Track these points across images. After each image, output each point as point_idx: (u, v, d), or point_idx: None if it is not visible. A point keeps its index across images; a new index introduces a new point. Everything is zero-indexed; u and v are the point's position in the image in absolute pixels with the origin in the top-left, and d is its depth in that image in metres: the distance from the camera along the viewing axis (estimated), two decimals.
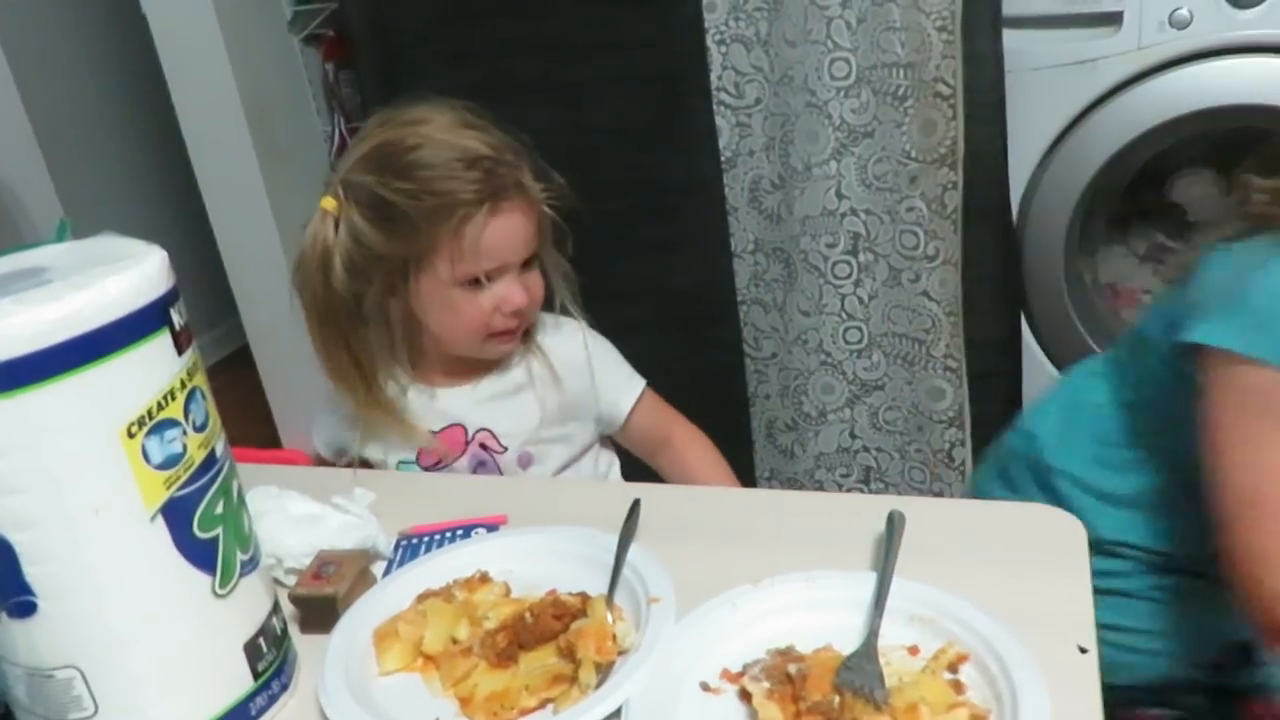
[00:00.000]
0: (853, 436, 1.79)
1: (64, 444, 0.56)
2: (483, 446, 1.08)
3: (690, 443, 1.14)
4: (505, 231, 0.98)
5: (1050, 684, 0.59)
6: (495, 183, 0.97)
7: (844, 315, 1.70)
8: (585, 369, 1.10)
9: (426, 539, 0.85)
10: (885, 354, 1.71)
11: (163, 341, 0.60)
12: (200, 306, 2.25)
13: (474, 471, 1.08)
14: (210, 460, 0.63)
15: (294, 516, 0.83)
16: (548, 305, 1.10)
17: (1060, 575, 0.72)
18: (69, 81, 2.68)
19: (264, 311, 2.06)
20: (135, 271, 0.59)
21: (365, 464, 1.10)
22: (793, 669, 0.63)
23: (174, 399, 0.60)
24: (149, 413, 0.59)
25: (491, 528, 0.86)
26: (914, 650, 0.66)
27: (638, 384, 1.15)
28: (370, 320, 1.04)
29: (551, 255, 1.06)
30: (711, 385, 1.79)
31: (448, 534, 0.85)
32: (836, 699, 0.61)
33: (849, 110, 1.56)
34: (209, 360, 3.01)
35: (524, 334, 1.08)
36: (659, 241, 1.72)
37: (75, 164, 2.67)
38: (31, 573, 0.57)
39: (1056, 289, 1.66)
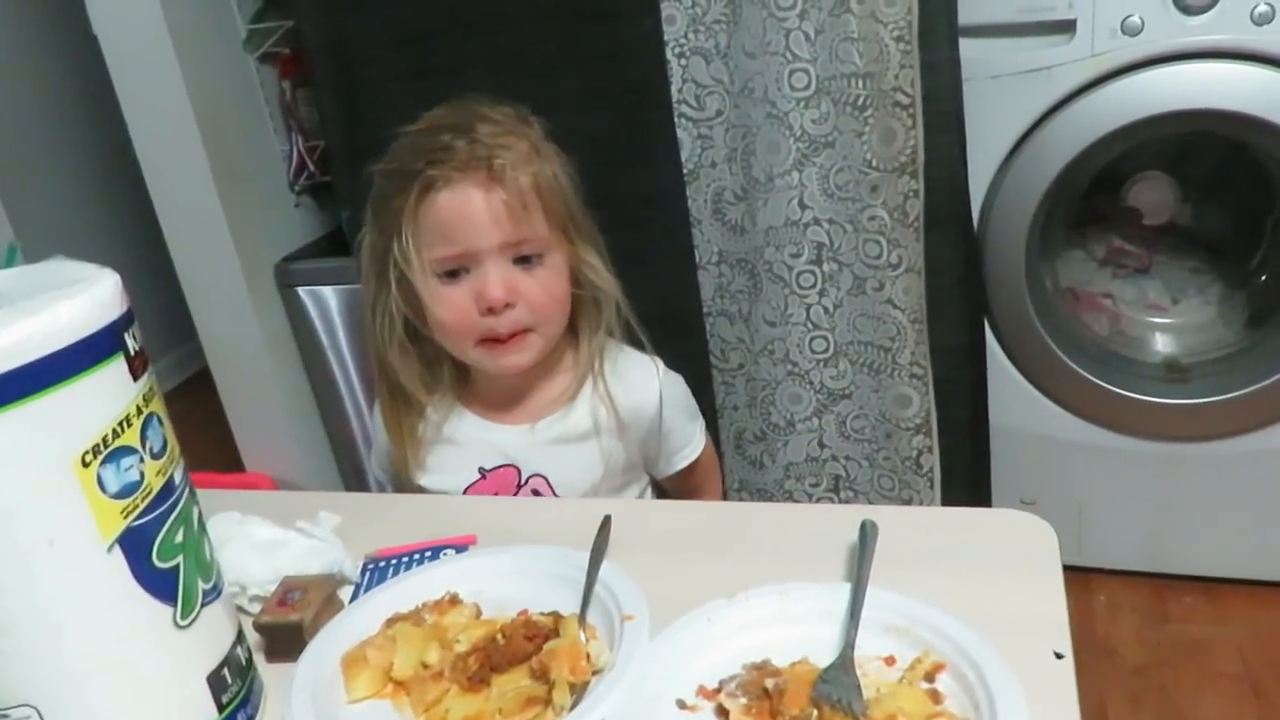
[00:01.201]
0: (821, 446, 1.79)
1: (15, 474, 0.54)
2: (535, 492, 1.02)
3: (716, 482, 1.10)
4: (462, 208, 0.91)
5: (1027, 690, 0.59)
6: (452, 155, 0.91)
7: (810, 325, 1.70)
8: (655, 420, 1.04)
9: (394, 561, 0.84)
10: (852, 363, 1.72)
11: (117, 367, 0.58)
12: (158, 329, 2.22)
13: None
14: (169, 488, 0.61)
15: (257, 542, 0.81)
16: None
17: (1033, 580, 0.72)
18: (18, 102, 2.64)
19: (224, 333, 2.03)
20: (87, 295, 0.57)
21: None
22: (769, 684, 0.63)
23: (130, 426, 0.58)
24: (104, 440, 0.57)
25: (460, 548, 0.84)
26: (890, 660, 0.65)
27: (701, 436, 1.10)
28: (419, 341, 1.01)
29: (586, 263, 1.01)
30: None
31: (416, 555, 0.84)
32: (814, 713, 0.60)
33: (809, 120, 1.57)
34: (168, 384, 3.00)
35: (592, 373, 1.02)
36: (623, 255, 1.70)
37: (25, 186, 2.62)
38: None
39: (1018, 294, 1.68)
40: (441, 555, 0.83)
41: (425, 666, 0.70)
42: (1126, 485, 1.77)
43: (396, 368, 1.00)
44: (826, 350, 1.71)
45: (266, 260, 2.00)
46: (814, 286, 1.67)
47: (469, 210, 0.92)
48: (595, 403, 1.02)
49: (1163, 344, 1.81)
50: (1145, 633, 1.74)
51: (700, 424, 1.12)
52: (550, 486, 1.02)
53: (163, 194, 1.91)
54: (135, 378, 0.59)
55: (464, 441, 1.04)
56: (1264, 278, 1.77)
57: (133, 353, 0.60)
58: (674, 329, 1.77)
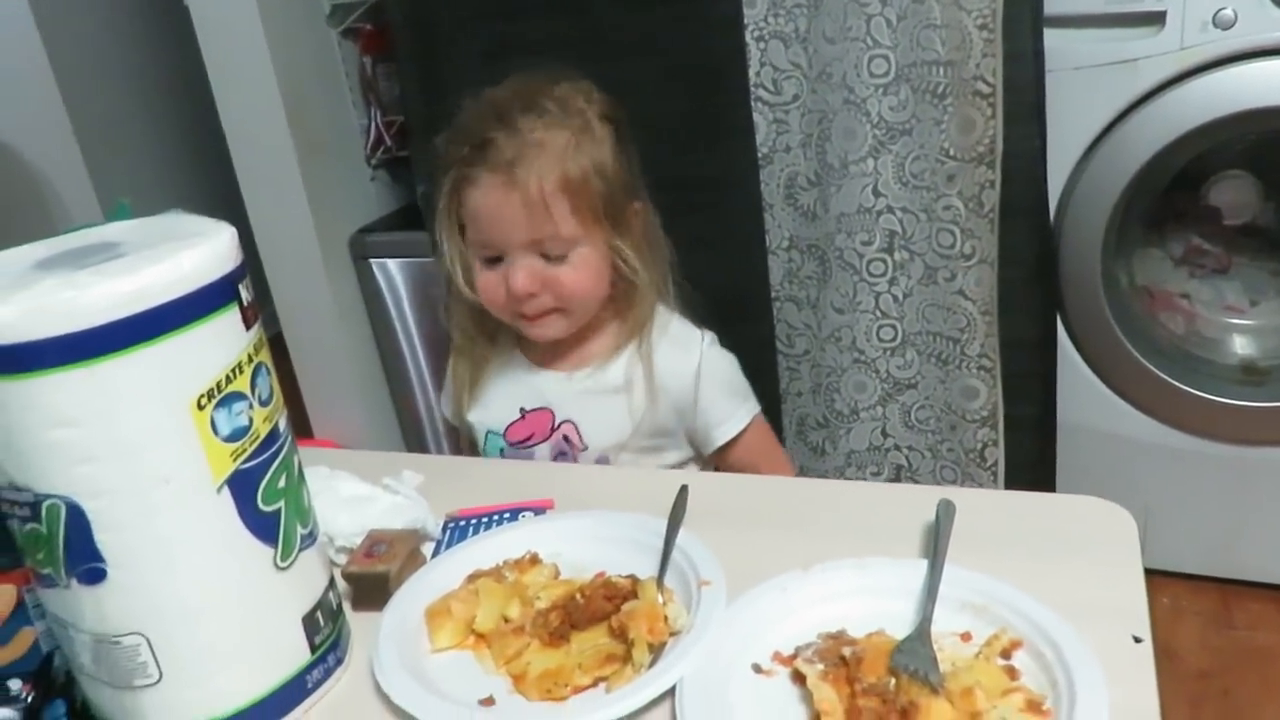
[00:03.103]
0: (884, 435, 1.79)
1: (137, 414, 0.57)
2: (565, 438, 1.07)
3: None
4: (490, 208, 0.98)
5: (1105, 672, 0.60)
6: (486, 152, 0.96)
7: (878, 313, 1.70)
8: (691, 390, 1.07)
9: (474, 521, 0.86)
10: (919, 352, 1.71)
11: (232, 316, 0.61)
12: None
13: (554, 457, 1.08)
14: (274, 435, 0.64)
15: (345, 497, 0.84)
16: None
17: (1112, 566, 0.72)
18: (107, 74, 2.71)
19: (297, 301, 2.08)
20: (207, 247, 0.60)
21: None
22: (846, 652, 0.64)
23: (241, 373, 0.61)
24: (218, 385, 0.60)
25: (538, 511, 0.86)
26: (966, 636, 0.66)
27: (745, 416, 1.10)
28: None
29: (626, 243, 1.03)
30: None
31: (495, 517, 0.86)
32: (892, 681, 0.61)
33: (887, 108, 1.56)
34: None
35: (637, 336, 1.06)
36: (694, 237, 1.71)
37: (112, 156, 2.69)
38: (103, 540, 0.58)
39: (1093, 290, 1.65)
40: (520, 517, 0.85)
41: (506, 621, 0.73)
42: (1195, 488, 1.74)
43: (463, 320, 1.10)
44: (894, 339, 1.71)
45: (342, 232, 2.05)
46: (884, 275, 1.67)
47: (495, 211, 0.98)
48: (633, 362, 1.07)
49: (1240, 345, 1.78)
50: (1209, 638, 1.71)
51: (748, 405, 1.12)
52: (579, 434, 1.07)
53: (245, 163, 1.96)
54: (247, 327, 0.62)
55: (512, 382, 1.10)
56: None
57: (245, 303, 0.62)
58: (741, 313, 1.78)
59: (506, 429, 1.09)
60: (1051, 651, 0.62)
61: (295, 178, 1.95)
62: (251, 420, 0.62)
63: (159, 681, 0.62)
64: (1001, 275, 1.61)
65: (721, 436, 1.09)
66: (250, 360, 0.62)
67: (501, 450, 1.10)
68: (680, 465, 1.11)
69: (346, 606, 0.77)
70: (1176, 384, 1.68)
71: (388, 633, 0.71)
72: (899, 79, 1.54)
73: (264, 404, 0.63)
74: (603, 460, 1.08)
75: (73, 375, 0.55)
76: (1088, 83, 1.53)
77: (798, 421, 1.86)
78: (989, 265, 1.60)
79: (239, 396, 0.61)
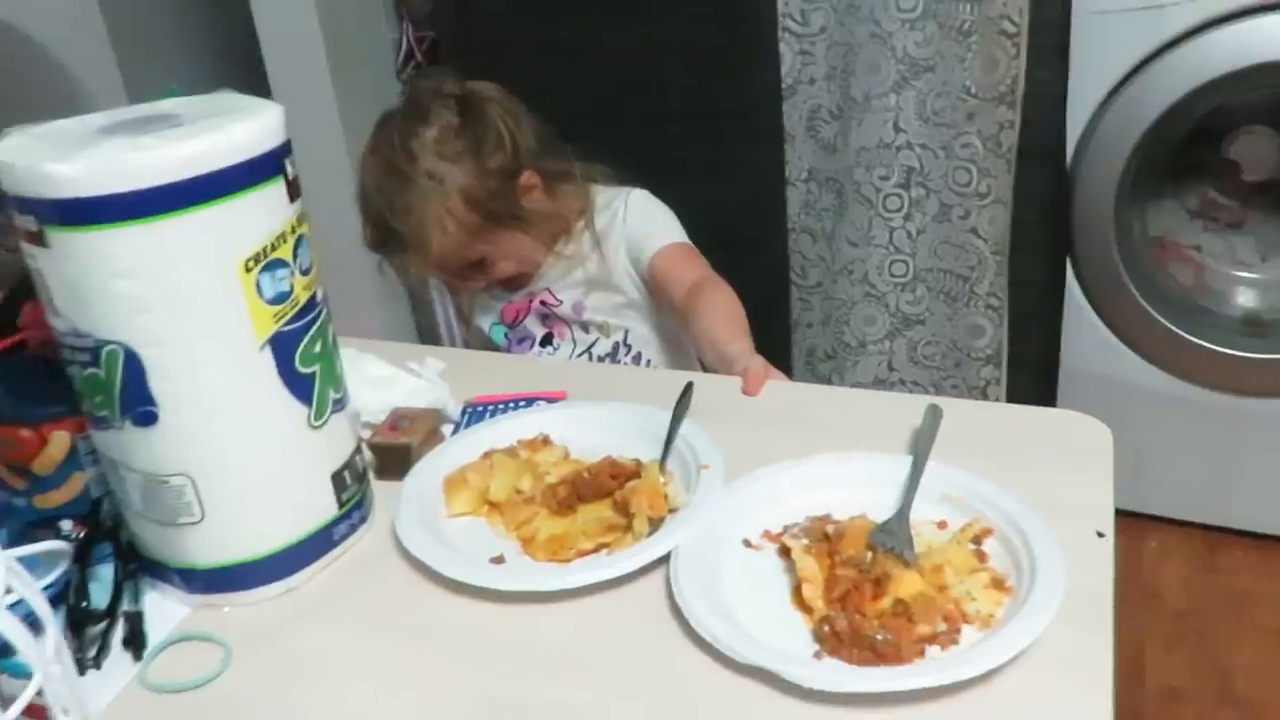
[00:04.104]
0: (890, 369, 1.84)
1: (190, 271, 0.62)
2: (543, 303, 1.29)
3: (713, 288, 1.18)
4: (427, 267, 1.22)
5: (1067, 560, 0.65)
6: (398, 240, 1.18)
7: (891, 248, 1.73)
8: (621, 224, 1.27)
9: (491, 407, 0.92)
10: (929, 289, 1.75)
11: (278, 188, 0.66)
12: None
13: (543, 322, 1.30)
14: (312, 303, 0.69)
15: (371, 377, 0.90)
16: None
17: (1084, 472, 0.77)
18: None
19: (327, 216, 2.12)
20: (257, 121, 0.64)
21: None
22: (829, 529, 0.69)
23: (285, 241, 0.66)
24: (264, 250, 0.65)
25: (551, 401, 0.92)
26: (942, 525, 0.71)
27: (675, 235, 1.26)
28: None
29: (533, 217, 1.23)
30: (755, 311, 1.82)
31: (511, 404, 0.91)
32: (869, 555, 0.66)
33: (913, 43, 1.58)
34: None
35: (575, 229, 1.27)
36: (714, 164, 1.76)
37: (147, 62, 2.72)
38: (156, 386, 0.64)
39: (1103, 235, 1.68)
40: (535, 405, 0.91)
41: (518, 492, 0.78)
42: (1189, 435, 1.79)
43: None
44: (905, 274, 1.75)
45: None
46: (900, 210, 1.70)
47: (431, 267, 1.23)
48: (581, 236, 1.28)
49: (1245, 298, 1.80)
50: (1191, 580, 1.77)
51: (678, 228, 1.28)
52: (552, 294, 1.29)
53: (278, 73, 1.99)
54: (291, 200, 0.67)
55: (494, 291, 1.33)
56: None
57: (290, 178, 0.67)
58: (757, 242, 1.82)
59: (501, 314, 1.32)
60: (1019, 539, 0.67)
61: (328, 88, 1.98)
62: (293, 286, 0.67)
63: (201, 520, 0.68)
64: (1015, 216, 1.65)
65: (655, 242, 1.24)
66: (293, 231, 0.67)
67: (505, 334, 1.32)
68: (638, 305, 1.29)
69: (371, 475, 0.83)
70: (1179, 332, 1.72)
71: (408, 497, 0.77)
72: (926, 14, 1.55)
73: (304, 273, 0.68)
74: (578, 308, 1.28)
75: (133, 231, 0.60)
76: (1113, 27, 1.54)
77: (807, 352, 1.90)
78: (1003, 205, 1.63)
79: (282, 263, 0.66)
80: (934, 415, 0.80)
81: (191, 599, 0.71)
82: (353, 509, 0.75)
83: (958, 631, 0.62)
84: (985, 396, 1.76)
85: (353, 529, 0.75)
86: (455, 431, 0.89)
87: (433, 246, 1.18)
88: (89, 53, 2.62)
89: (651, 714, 0.61)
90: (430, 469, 0.81)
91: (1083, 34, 1.53)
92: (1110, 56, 1.58)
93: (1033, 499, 0.71)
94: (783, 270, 1.84)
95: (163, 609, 0.72)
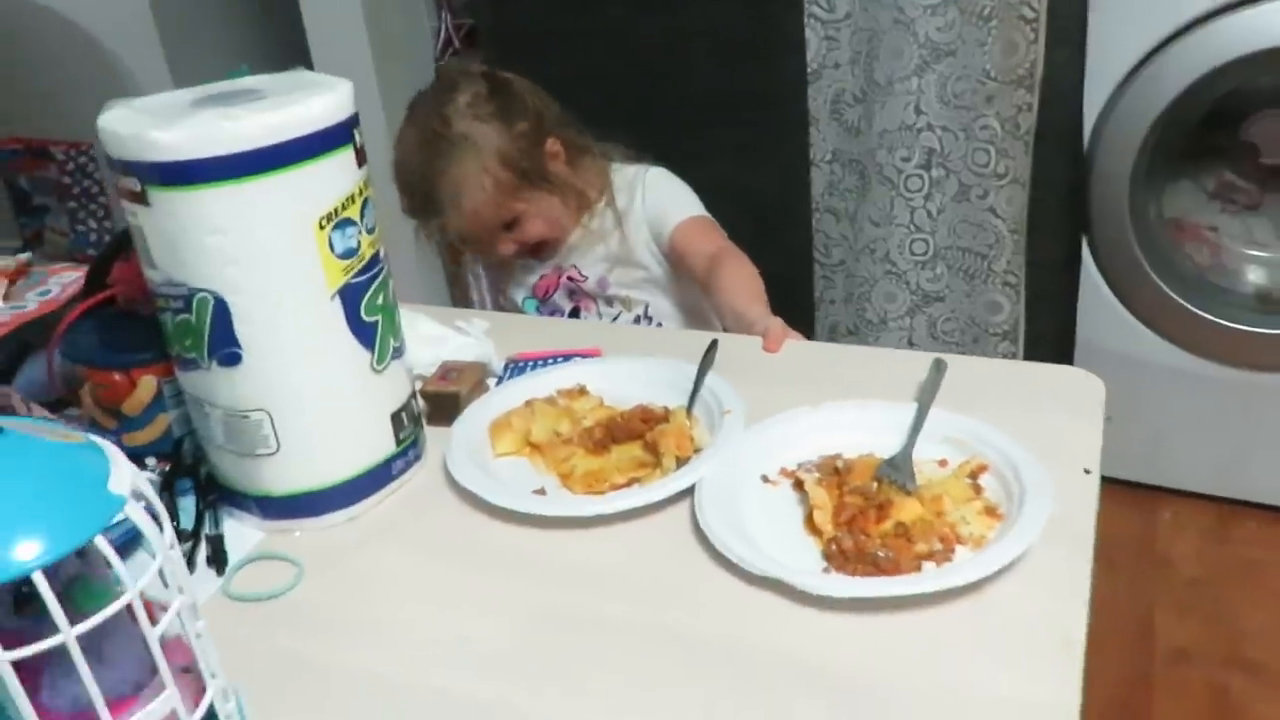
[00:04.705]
0: (910, 345, 1.90)
1: (272, 227, 0.71)
2: (570, 279, 1.38)
3: (732, 258, 1.24)
4: (461, 233, 1.30)
5: (1055, 494, 0.71)
6: (435, 206, 1.27)
7: (912, 227, 1.79)
8: (640, 199, 1.34)
9: (532, 363, 0.99)
10: (949, 267, 1.81)
11: (348, 155, 0.74)
12: None
13: (570, 297, 1.39)
14: (375, 259, 0.77)
15: (423, 335, 0.98)
16: None
17: (1077, 418, 0.83)
18: None
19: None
20: (332, 95, 0.72)
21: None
22: (839, 464, 0.76)
23: (353, 203, 0.74)
24: (335, 210, 0.73)
25: (587, 357, 0.99)
26: (943, 463, 0.78)
27: (693, 209, 1.33)
28: None
29: (559, 183, 1.31)
30: (779, 288, 1.89)
31: (550, 360, 0.99)
32: (875, 485, 0.74)
33: (934, 28, 1.64)
34: None
35: (599, 205, 1.35)
36: (741, 146, 1.83)
37: (194, 51, 2.82)
38: (240, 330, 0.72)
39: (1119, 216, 1.73)
40: (572, 360, 0.98)
41: (557, 434, 0.86)
42: (1204, 410, 1.83)
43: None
44: (926, 253, 1.81)
45: None
46: (920, 190, 1.76)
47: (465, 234, 1.31)
48: (604, 212, 1.35)
49: (1258, 276, 1.85)
50: (1204, 550, 1.82)
51: (690, 205, 1.34)
52: (579, 270, 1.37)
53: (323, 61, 2.08)
54: (359, 165, 0.75)
55: (524, 264, 1.40)
56: None
57: (358, 146, 0.75)
58: (781, 222, 1.89)
59: (532, 290, 1.40)
60: (1012, 473, 0.74)
61: (370, 75, 2.06)
62: (360, 243, 0.75)
63: (277, 452, 0.76)
64: (1032, 196, 1.70)
65: (674, 217, 1.31)
66: (360, 194, 0.75)
67: (536, 307, 1.41)
68: (660, 279, 1.37)
69: (423, 420, 0.91)
70: (1194, 310, 1.77)
71: (458, 439, 0.85)
72: (947, 1, 1.61)
73: (369, 232, 0.76)
74: (603, 283, 1.36)
75: (224, 191, 0.68)
76: (1129, 11, 1.59)
77: (829, 329, 1.97)
78: (1021, 185, 1.69)
79: (351, 222, 0.74)
80: (939, 368, 0.87)
81: (266, 524, 0.80)
82: (409, 448, 0.83)
83: (952, 550, 0.69)
84: None
85: (408, 465, 0.84)
86: (499, 384, 0.97)
87: (470, 204, 1.25)
88: (138, 45, 2.73)
89: (677, 622, 0.68)
90: (477, 415, 0.89)
91: (1100, 18, 1.58)
92: (1127, 40, 1.63)
93: (1028, 441, 0.77)
94: (806, 249, 1.90)
95: (240, 534, 0.80)
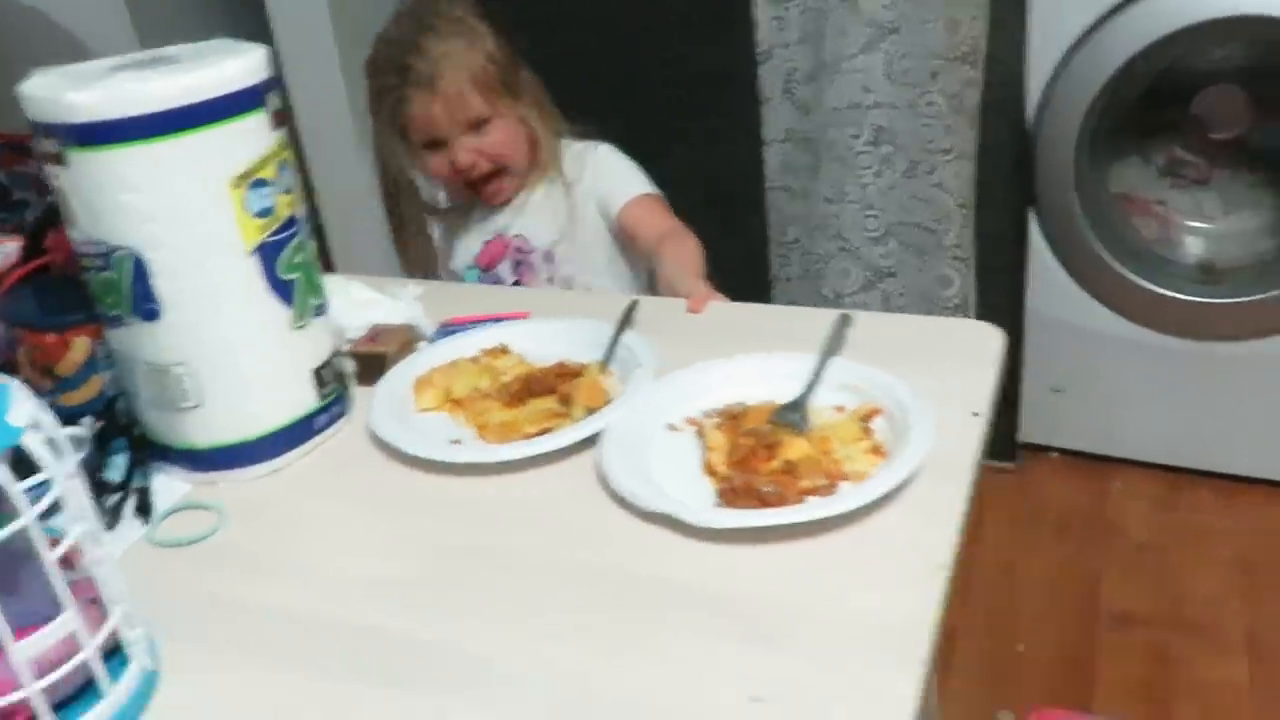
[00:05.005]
0: None
1: (186, 186, 0.74)
2: (518, 249, 1.39)
3: (678, 237, 1.27)
4: (423, 114, 1.29)
5: (942, 434, 0.75)
6: (409, 74, 1.27)
7: (864, 204, 1.82)
8: (592, 176, 1.37)
9: (462, 327, 1.03)
10: (900, 242, 1.84)
11: (261, 118, 0.77)
12: None
13: (514, 268, 1.39)
14: (293, 220, 0.81)
15: (356, 299, 1.01)
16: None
17: (975, 368, 0.86)
18: None
19: (335, 186, 2.24)
20: (243, 60, 0.76)
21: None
22: (737, 409, 0.80)
23: (269, 164, 0.77)
24: (250, 170, 0.76)
25: (515, 320, 1.03)
26: (840, 409, 0.82)
27: (642, 187, 1.35)
28: None
29: (524, 108, 1.33)
30: (736, 266, 1.92)
31: (481, 324, 1.02)
32: (768, 427, 0.77)
33: (879, 6, 1.67)
34: None
35: (550, 166, 1.37)
36: (694, 129, 1.86)
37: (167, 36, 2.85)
38: (158, 285, 0.75)
39: (1065, 190, 1.76)
40: (501, 323, 1.02)
41: (478, 390, 0.89)
42: (1154, 380, 1.87)
43: (400, 202, 1.42)
44: (878, 229, 1.84)
45: None
46: (870, 167, 1.79)
47: (430, 115, 1.29)
48: (552, 183, 1.39)
49: (1202, 247, 1.89)
50: (1153, 518, 1.86)
51: (640, 184, 1.36)
52: (526, 240, 1.39)
53: (290, 53, 2.10)
54: (274, 129, 0.78)
55: (472, 230, 1.43)
56: None
57: (272, 110, 0.78)
58: (736, 201, 1.92)
59: (475, 258, 1.42)
60: (900, 414, 0.77)
61: (335, 67, 2.09)
62: (276, 203, 0.78)
63: (199, 406, 0.80)
64: (980, 171, 1.74)
65: (623, 194, 1.34)
66: (275, 156, 0.78)
67: (478, 277, 1.41)
68: (608, 251, 1.38)
69: (353, 382, 0.94)
70: (1141, 281, 1.80)
71: (382, 395, 0.89)
72: None
73: (286, 192, 0.79)
74: (549, 256, 1.37)
75: (138, 150, 0.71)
76: None
77: (787, 305, 2.00)
78: (968, 160, 1.72)
79: (265, 182, 0.77)
80: (843, 321, 0.90)
81: (192, 476, 0.83)
82: (332, 403, 0.87)
83: (835, 486, 0.72)
84: None
85: (332, 420, 0.87)
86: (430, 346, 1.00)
87: (448, 84, 1.26)
88: (116, 44, 2.76)
89: (577, 558, 0.71)
90: (403, 373, 0.92)
91: None
92: (1067, 16, 1.66)
93: (926, 387, 0.80)
94: (761, 227, 1.93)
95: (169, 487, 0.83)
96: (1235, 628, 1.61)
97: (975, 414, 0.80)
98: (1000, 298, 1.84)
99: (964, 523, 0.69)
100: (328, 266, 2.41)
